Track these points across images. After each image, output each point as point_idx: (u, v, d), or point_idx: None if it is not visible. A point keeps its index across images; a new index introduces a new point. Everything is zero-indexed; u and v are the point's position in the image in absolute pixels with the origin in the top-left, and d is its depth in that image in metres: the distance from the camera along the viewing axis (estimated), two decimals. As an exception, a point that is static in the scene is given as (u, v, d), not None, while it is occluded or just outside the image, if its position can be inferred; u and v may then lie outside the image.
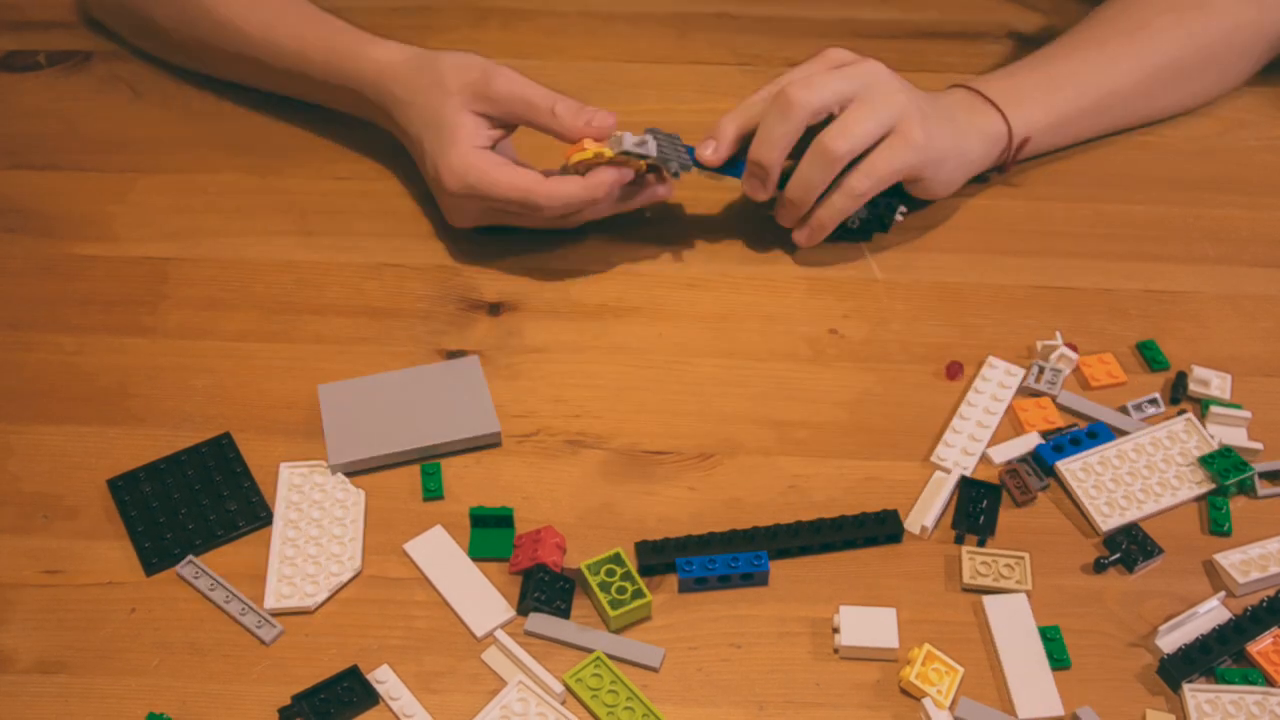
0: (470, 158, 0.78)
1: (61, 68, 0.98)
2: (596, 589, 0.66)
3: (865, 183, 0.79)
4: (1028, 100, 0.87)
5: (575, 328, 0.80)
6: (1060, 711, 0.63)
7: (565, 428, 0.75)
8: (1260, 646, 0.65)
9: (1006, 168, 0.88)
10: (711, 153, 0.81)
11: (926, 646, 0.64)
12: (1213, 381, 0.77)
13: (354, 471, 0.72)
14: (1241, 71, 0.95)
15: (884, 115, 0.79)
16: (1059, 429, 0.75)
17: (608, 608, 0.66)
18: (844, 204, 0.80)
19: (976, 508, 0.71)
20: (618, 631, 0.66)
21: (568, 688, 0.64)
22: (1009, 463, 0.73)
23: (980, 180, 0.89)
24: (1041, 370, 0.77)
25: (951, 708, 0.63)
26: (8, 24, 1.01)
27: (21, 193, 0.88)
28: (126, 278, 0.83)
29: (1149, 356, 0.79)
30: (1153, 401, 0.76)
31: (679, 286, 0.82)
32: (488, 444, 0.74)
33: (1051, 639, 0.65)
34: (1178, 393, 0.76)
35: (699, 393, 0.77)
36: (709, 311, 0.81)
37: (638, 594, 0.66)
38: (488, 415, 0.74)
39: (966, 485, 0.72)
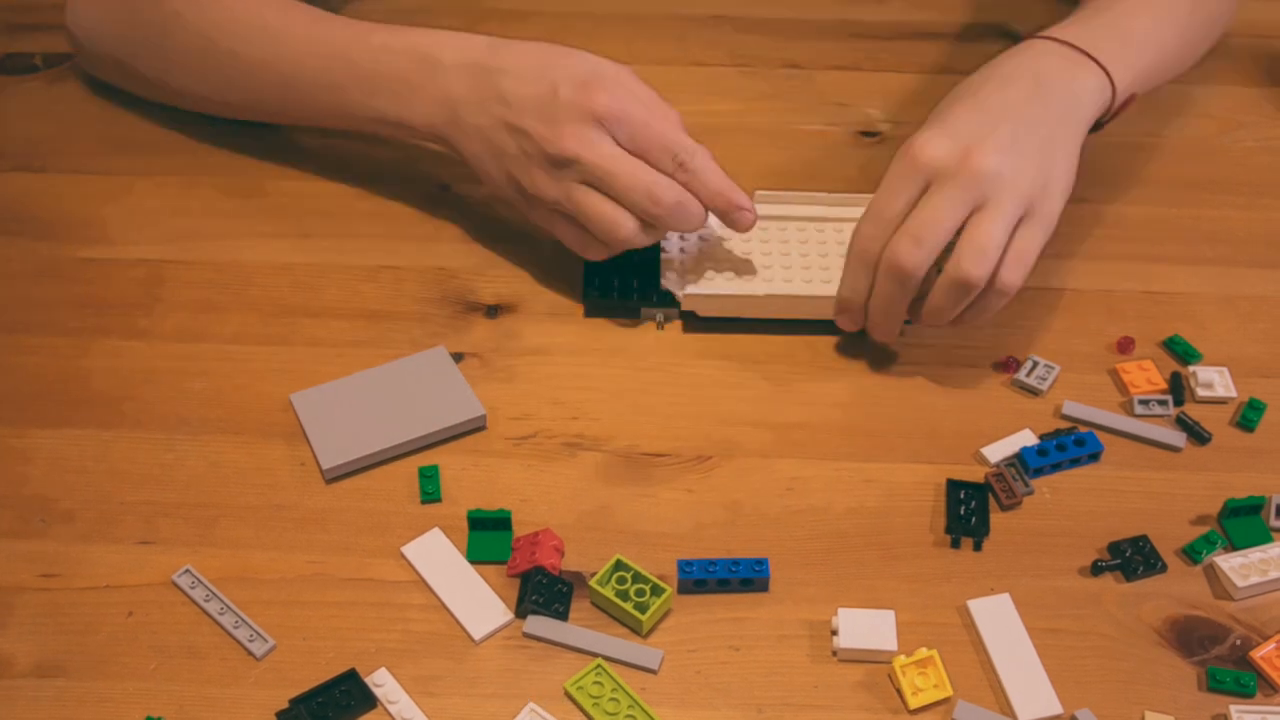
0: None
1: (58, 70, 0.97)
2: (615, 599, 0.66)
3: (1018, 275, 0.71)
4: (1119, 49, 0.79)
5: (573, 330, 0.80)
6: (1059, 710, 0.63)
7: (563, 430, 0.75)
8: (1264, 652, 0.65)
9: (1104, 124, 0.81)
10: (850, 324, 0.77)
11: (934, 653, 0.65)
12: (1215, 381, 0.76)
13: (347, 473, 0.72)
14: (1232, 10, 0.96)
15: (1012, 214, 0.70)
16: (1057, 430, 0.75)
17: (635, 613, 0.65)
18: (999, 303, 0.72)
19: (966, 510, 0.71)
20: (646, 633, 0.66)
21: (569, 695, 0.64)
22: (997, 465, 0.73)
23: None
24: (1035, 365, 0.77)
25: (921, 712, 0.64)
26: (4, 26, 1.01)
27: (18, 195, 0.88)
28: (123, 280, 0.83)
29: (1180, 351, 0.78)
30: (1162, 402, 0.76)
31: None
32: (474, 429, 0.74)
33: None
34: (1177, 395, 0.76)
35: (697, 395, 0.77)
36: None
37: (657, 590, 0.66)
38: (469, 401, 0.74)
39: (953, 487, 0.72)
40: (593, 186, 0.74)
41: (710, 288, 0.79)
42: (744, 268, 0.80)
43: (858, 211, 0.77)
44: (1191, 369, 0.77)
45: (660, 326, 0.80)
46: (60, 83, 0.97)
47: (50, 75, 0.97)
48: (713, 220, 0.80)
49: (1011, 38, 1.01)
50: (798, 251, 0.81)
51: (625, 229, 0.74)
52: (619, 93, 0.74)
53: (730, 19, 1.03)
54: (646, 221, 0.74)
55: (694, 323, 0.80)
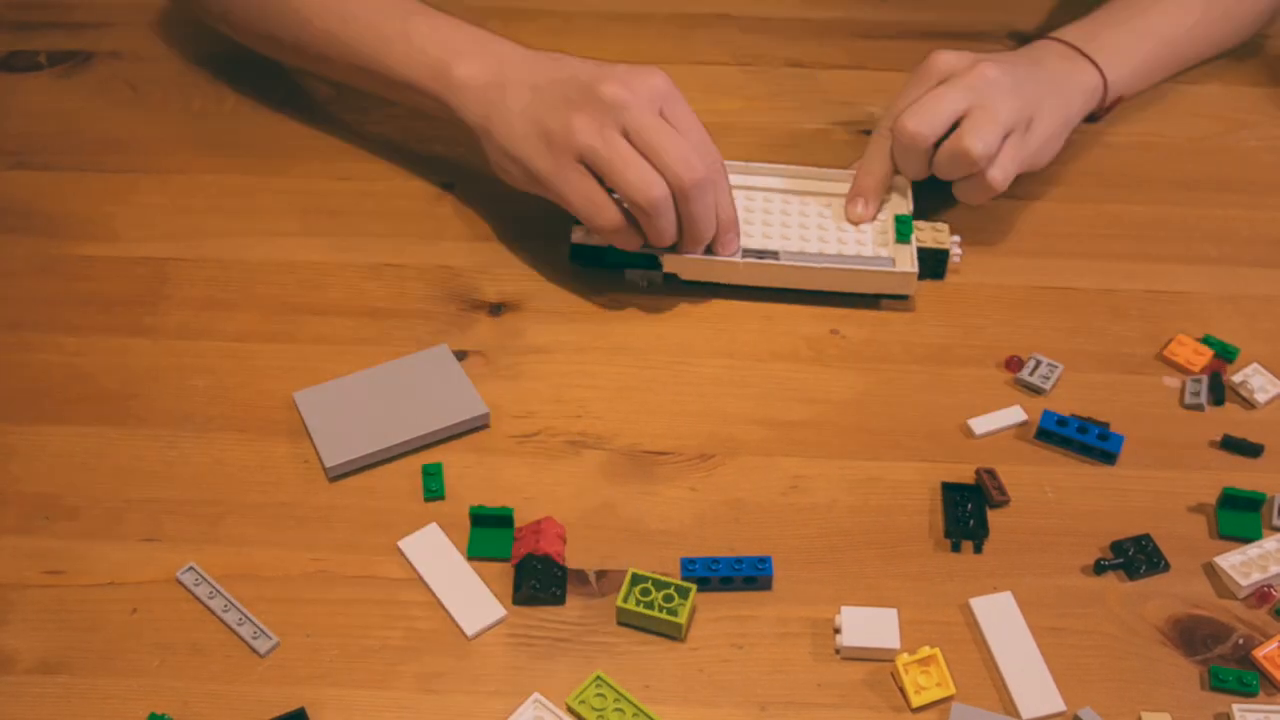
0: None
1: (62, 68, 0.98)
2: (645, 611, 0.65)
3: (1003, 173, 0.80)
4: (1116, 51, 0.88)
5: (576, 328, 0.80)
6: (1062, 708, 0.63)
7: (566, 428, 0.75)
8: (1266, 651, 0.65)
9: (1099, 118, 0.90)
10: (863, 209, 0.83)
11: (937, 651, 0.65)
12: (1266, 385, 0.77)
13: (350, 471, 0.72)
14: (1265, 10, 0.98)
15: (1005, 120, 0.79)
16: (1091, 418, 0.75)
17: (669, 618, 0.65)
18: (984, 195, 0.81)
19: (964, 512, 0.71)
20: (685, 636, 0.66)
21: (571, 710, 0.63)
22: (983, 467, 0.73)
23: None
24: (1038, 364, 0.77)
25: (924, 710, 0.64)
26: (8, 24, 1.01)
27: (22, 193, 0.88)
28: (127, 278, 0.83)
29: (1217, 349, 0.79)
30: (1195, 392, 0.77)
31: (680, 286, 0.82)
32: (478, 426, 0.74)
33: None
34: (1218, 395, 0.77)
35: (700, 393, 0.77)
36: (710, 312, 0.81)
37: (682, 592, 0.66)
38: (472, 398, 0.75)
39: (948, 490, 0.72)
40: (631, 142, 0.75)
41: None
42: None
43: (843, 186, 0.85)
44: (1240, 379, 0.77)
45: (644, 288, 0.82)
46: (64, 80, 0.97)
47: (55, 73, 0.97)
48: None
49: (1015, 38, 1.01)
50: (780, 222, 0.83)
51: (655, 190, 0.74)
52: (675, 89, 0.77)
53: (733, 18, 1.03)
54: (672, 189, 0.75)
55: (676, 287, 0.82)
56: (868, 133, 0.93)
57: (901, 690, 0.64)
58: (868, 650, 0.65)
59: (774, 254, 0.81)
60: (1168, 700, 0.64)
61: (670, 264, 0.81)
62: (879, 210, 0.84)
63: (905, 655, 0.64)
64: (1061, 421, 0.73)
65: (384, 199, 0.88)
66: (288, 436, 0.74)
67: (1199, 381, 0.77)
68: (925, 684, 0.64)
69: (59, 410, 0.76)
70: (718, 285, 0.82)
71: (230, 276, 0.83)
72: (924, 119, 0.79)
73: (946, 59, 0.82)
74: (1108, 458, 0.73)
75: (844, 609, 0.66)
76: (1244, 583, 0.67)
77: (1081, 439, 0.73)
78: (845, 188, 0.85)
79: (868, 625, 0.66)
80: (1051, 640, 0.66)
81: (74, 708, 0.63)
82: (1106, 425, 0.74)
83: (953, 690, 0.64)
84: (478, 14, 1.01)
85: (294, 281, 0.83)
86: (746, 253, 0.81)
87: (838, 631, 0.66)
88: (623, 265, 0.82)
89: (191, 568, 0.68)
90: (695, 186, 0.75)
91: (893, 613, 0.66)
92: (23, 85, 0.96)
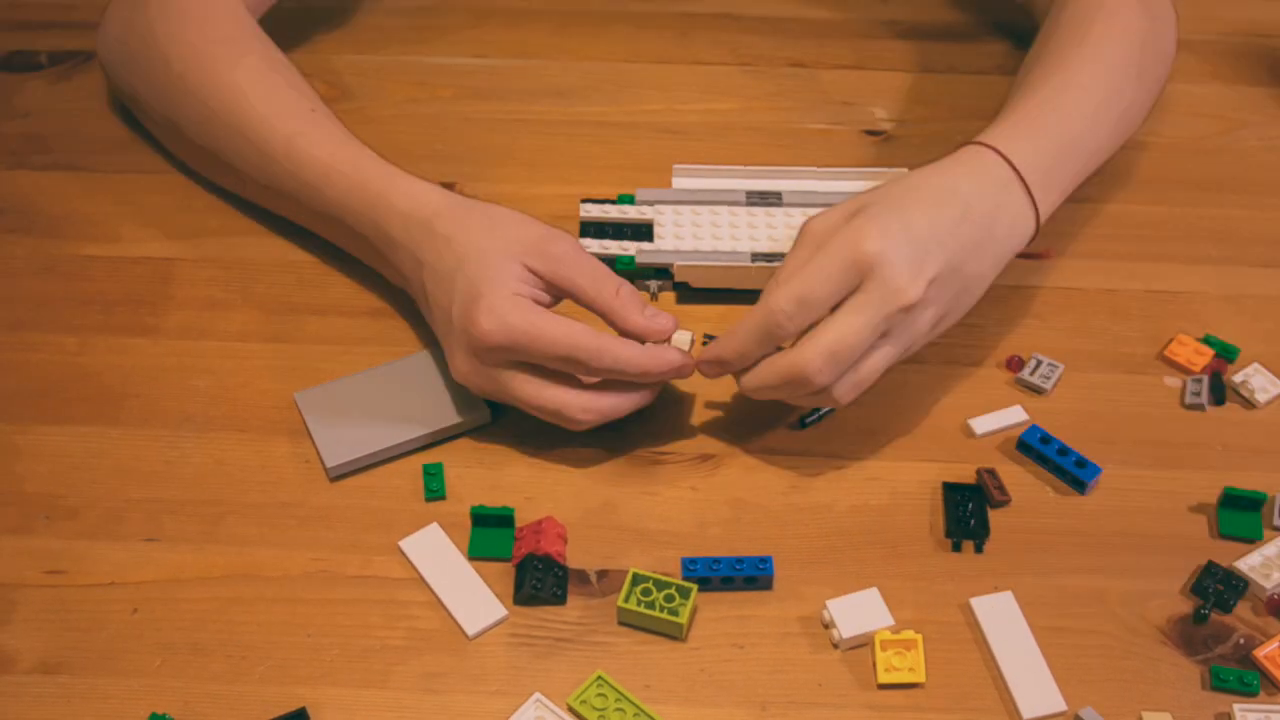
0: (515, 302, 0.68)
1: (63, 67, 0.98)
2: (646, 611, 0.66)
3: (852, 394, 0.69)
4: (1052, 179, 0.76)
5: (577, 328, 0.80)
6: (1063, 707, 0.64)
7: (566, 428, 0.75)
8: (1267, 650, 0.65)
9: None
10: (719, 372, 0.71)
11: (919, 639, 0.65)
12: (1267, 385, 0.77)
13: (351, 471, 0.73)
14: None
15: (903, 354, 0.69)
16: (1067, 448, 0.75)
17: (670, 618, 0.65)
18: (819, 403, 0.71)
19: (965, 512, 0.71)
20: (685, 636, 0.66)
21: (572, 710, 0.63)
22: (984, 468, 0.73)
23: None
24: (1039, 363, 0.77)
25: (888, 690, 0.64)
26: (9, 24, 1.01)
27: (23, 193, 0.88)
28: (128, 278, 0.83)
29: (1218, 349, 0.79)
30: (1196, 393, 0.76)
31: (681, 286, 0.82)
32: (478, 425, 0.74)
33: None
34: (1218, 394, 0.77)
35: (700, 393, 0.77)
36: (710, 311, 0.81)
37: (683, 591, 0.66)
38: (473, 399, 0.75)
39: (949, 490, 0.72)
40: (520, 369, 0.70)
41: (703, 259, 0.80)
42: (736, 240, 0.82)
43: (852, 185, 0.84)
44: (1240, 379, 0.77)
45: (654, 296, 0.81)
46: (65, 80, 0.97)
47: (55, 73, 0.97)
48: (703, 197, 0.84)
49: (1014, 38, 1.01)
50: (784, 224, 0.83)
51: (567, 407, 0.70)
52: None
53: (734, 17, 1.03)
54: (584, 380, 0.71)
55: (687, 294, 0.81)
56: (870, 133, 0.93)
57: (873, 664, 0.64)
58: (867, 636, 0.66)
59: (782, 256, 0.81)
60: (1168, 700, 0.64)
61: (681, 273, 0.81)
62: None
63: (888, 633, 0.65)
64: (1045, 439, 0.73)
65: (384, 199, 0.88)
66: (288, 436, 0.74)
67: (1199, 381, 0.77)
68: (898, 665, 0.64)
69: (59, 410, 0.76)
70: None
71: (231, 276, 0.83)
72: (831, 368, 0.66)
73: (882, 265, 0.66)
74: (1079, 485, 0.72)
75: (829, 603, 0.66)
76: (1269, 586, 0.67)
77: (1059, 460, 0.72)
78: (850, 186, 0.85)
79: (858, 611, 0.66)
80: (1052, 640, 0.66)
81: (74, 708, 0.63)
82: (1091, 462, 0.72)
83: (923, 679, 0.64)
84: (479, 15, 1.02)
85: (295, 281, 0.83)
86: (755, 256, 0.80)
87: (828, 626, 0.66)
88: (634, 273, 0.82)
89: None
90: (595, 365, 0.68)
91: (874, 592, 0.67)
92: (23, 85, 0.96)
